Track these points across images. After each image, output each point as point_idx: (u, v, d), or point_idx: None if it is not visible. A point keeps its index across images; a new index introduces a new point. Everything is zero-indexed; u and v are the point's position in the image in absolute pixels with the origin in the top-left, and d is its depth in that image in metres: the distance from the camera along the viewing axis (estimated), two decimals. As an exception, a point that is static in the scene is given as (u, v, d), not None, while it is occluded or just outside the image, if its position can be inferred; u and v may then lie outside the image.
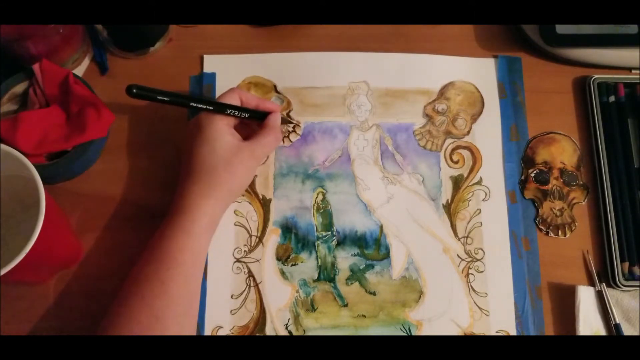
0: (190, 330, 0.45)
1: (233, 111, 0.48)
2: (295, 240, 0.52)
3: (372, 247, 0.52)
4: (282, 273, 0.51)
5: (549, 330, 0.51)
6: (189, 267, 0.45)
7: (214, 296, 0.50)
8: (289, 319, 0.50)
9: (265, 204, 0.53)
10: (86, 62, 0.57)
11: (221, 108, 0.48)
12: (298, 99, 0.56)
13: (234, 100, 0.49)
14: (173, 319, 0.43)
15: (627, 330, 0.50)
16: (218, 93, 0.55)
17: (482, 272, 0.52)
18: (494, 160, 0.55)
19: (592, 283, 0.52)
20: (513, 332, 0.50)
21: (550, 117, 0.57)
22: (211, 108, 0.47)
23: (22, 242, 0.40)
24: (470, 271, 0.52)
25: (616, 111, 0.56)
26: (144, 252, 0.45)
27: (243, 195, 0.53)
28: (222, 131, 0.48)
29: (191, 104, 0.47)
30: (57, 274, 0.50)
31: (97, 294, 0.49)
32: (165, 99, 0.46)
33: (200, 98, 0.47)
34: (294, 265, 0.52)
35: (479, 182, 0.54)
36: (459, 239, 0.53)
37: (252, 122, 0.52)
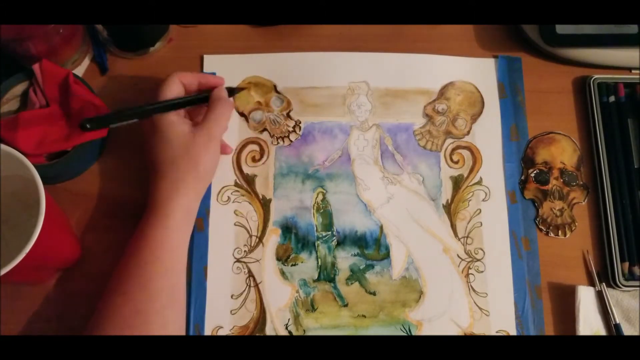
0: (176, 323, 0.45)
1: (179, 106, 0.49)
2: (295, 240, 0.52)
3: (372, 247, 0.52)
4: (282, 273, 0.51)
5: (549, 330, 0.51)
6: (167, 260, 0.45)
7: (214, 296, 0.50)
8: (289, 319, 0.50)
9: (265, 204, 0.53)
10: (86, 62, 0.57)
11: (167, 109, 0.48)
12: (298, 99, 0.56)
13: (177, 88, 0.49)
14: (155, 313, 0.43)
15: (627, 330, 0.50)
16: (218, 93, 0.56)
17: (482, 272, 0.52)
18: (494, 160, 0.55)
19: (592, 283, 0.52)
20: (513, 332, 0.50)
21: (550, 117, 0.57)
22: (161, 112, 0.48)
23: (22, 242, 0.40)
24: (470, 271, 0.52)
25: (616, 111, 0.56)
26: (126, 249, 0.46)
27: (243, 196, 0.53)
28: (173, 123, 0.48)
29: (143, 118, 0.48)
30: (57, 274, 0.50)
31: (97, 294, 0.49)
32: (118, 124, 0.48)
33: (145, 107, 0.48)
34: (294, 265, 0.52)
35: (479, 182, 0.54)
36: (459, 239, 0.53)
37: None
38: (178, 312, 0.46)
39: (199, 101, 0.50)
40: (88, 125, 0.47)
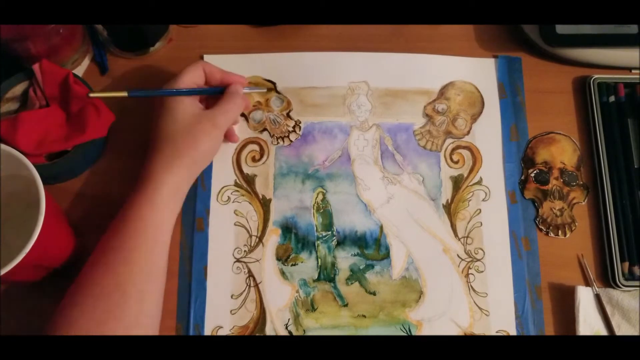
0: (153, 299, 0.45)
1: (194, 94, 0.50)
2: (295, 240, 0.52)
3: (372, 247, 0.52)
4: (282, 273, 0.51)
5: (549, 330, 0.51)
6: (150, 235, 0.45)
7: (214, 296, 0.50)
8: (289, 319, 0.50)
9: (265, 204, 0.53)
10: (86, 62, 0.57)
11: (181, 94, 0.49)
12: (298, 99, 0.56)
13: (198, 75, 0.50)
14: (134, 287, 0.43)
15: (627, 331, 0.50)
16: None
17: (482, 272, 0.52)
18: (494, 160, 0.55)
19: (591, 284, 0.52)
20: (513, 332, 0.50)
21: (550, 117, 0.57)
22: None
23: (22, 242, 0.40)
24: (470, 271, 0.52)
25: (616, 111, 0.56)
26: (113, 221, 0.46)
27: (243, 196, 0.53)
28: (183, 102, 0.49)
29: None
30: (55, 273, 0.50)
31: (97, 294, 0.49)
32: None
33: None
34: (294, 265, 0.52)
35: (479, 182, 0.54)
36: (459, 239, 0.53)
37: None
38: (156, 290, 0.45)
39: (215, 93, 0.51)
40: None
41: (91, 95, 0.49)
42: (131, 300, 0.43)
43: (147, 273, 0.45)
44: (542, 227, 0.53)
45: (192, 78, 0.50)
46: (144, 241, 0.45)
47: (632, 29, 0.57)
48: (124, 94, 0.49)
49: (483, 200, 0.54)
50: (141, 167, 0.48)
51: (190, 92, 0.49)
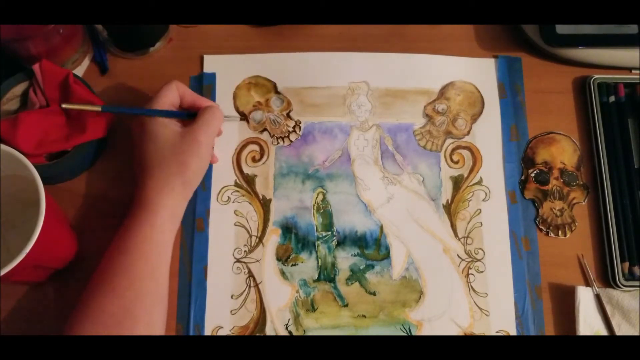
0: (160, 321, 0.45)
1: (169, 116, 0.50)
2: (295, 240, 0.52)
3: (372, 247, 0.52)
4: (282, 273, 0.51)
5: (549, 330, 0.51)
6: (154, 258, 0.45)
7: (214, 296, 0.50)
8: (289, 319, 0.50)
9: (265, 204, 0.53)
10: (86, 62, 0.57)
11: (158, 115, 0.49)
12: (298, 99, 0.56)
13: (173, 95, 0.50)
14: (143, 310, 0.43)
15: (627, 331, 0.50)
16: (218, 93, 0.56)
17: (482, 272, 0.52)
18: (494, 161, 0.55)
19: (591, 285, 0.52)
20: (513, 332, 0.50)
21: (550, 117, 0.57)
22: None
23: (22, 242, 0.40)
24: (470, 271, 0.52)
25: (616, 111, 0.56)
26: (111, 245, 0.46)
27: (243, 196, 0.53)
28: (163, 122, 0.48)
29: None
30: (55, 273, 0.50)
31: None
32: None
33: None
34: (294, 265, 0.52)
35: (479, 182, 0.54)
36: (459, 239, 0.53)
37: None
38: (162, 312, 0.46)
39: (187, 117, 0.51)
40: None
41: (64, 106, 0.49)
42: (140, 325, 0.43)
43: (153, 295, 0.45)
44: (542, 227, 0.53)
45: (168, 99, 0.49)
46: (149, 264, 0.45)
47: (632, 29, 0.57)
48: (98, 108, 0.50)
49: (483, 200, 0.54)
50: (135, 193, 0.48)
51: (162, 114, 0.49)
